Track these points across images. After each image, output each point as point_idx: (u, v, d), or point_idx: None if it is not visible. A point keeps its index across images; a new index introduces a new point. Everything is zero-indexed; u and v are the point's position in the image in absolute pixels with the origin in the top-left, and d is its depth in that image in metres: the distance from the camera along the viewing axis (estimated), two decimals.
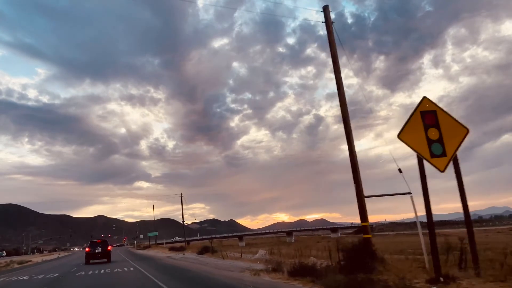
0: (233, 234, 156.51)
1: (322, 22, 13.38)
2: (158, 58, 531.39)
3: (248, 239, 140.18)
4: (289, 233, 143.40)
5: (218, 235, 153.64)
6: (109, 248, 28.66)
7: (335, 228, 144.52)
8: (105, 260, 27.54)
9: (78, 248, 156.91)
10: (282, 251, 21.85)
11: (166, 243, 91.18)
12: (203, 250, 29.17)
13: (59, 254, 70.40)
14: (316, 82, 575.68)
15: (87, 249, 28.27)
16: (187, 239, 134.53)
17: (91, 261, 27.18)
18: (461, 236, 8.50)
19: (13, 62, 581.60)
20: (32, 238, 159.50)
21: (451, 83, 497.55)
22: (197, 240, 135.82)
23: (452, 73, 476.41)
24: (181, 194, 45.18)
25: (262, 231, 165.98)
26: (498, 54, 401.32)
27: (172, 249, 40.61)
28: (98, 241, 29.01)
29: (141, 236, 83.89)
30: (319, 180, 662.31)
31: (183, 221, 43.93)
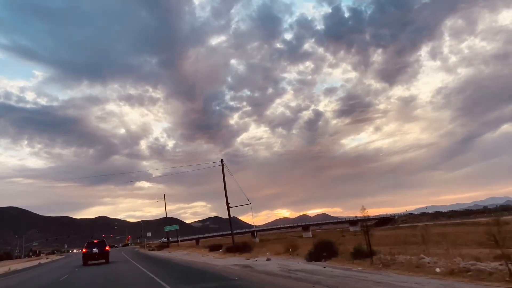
0: (245, 230, 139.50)
1: None
2: (156, 57, 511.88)
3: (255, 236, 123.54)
4: (306, 228, 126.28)
5: (223, 232, 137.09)
6: (107, 248, 26.51)
7: (355, 220, 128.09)
8: (103, 261, 25.52)
9: (76, 250, 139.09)
10: None
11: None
12: (319, 251, 12.74)
13: (47, 258, 52.57)
14: (314, 77, 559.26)
15: (84, 250, 25.83)
16: (193, 237, 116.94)
17: (89, 262, 25.09)
18: None
19: (10, 65, 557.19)
20: (30, 241, 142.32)
21: (449, 74, 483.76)
22: (205, 237, 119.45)
23: (450, 64, 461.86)
24: (222, 161, 28.64)
25: (266, 227, 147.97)
26: (496, 44, 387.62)
27: (214, 249, 24.11)
28: (96, 241, 26.61)
29: (149, 234, 67.55)
30: (319, 175, 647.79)
31: (228, 204, 27.03)
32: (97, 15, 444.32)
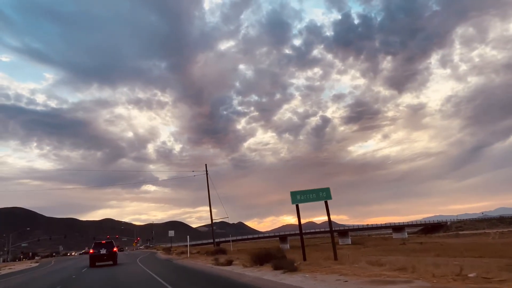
0: (274, 235, 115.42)
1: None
2: (165, 61, 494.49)
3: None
4: (343, 233, 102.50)
5: (232, 237, 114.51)
6: (115, 249, 23.65)
7: (400, 226, 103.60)
8: (110, 262, 23.13)
9: (74, 253, 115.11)
10: None
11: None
12: None
13: (12, 267, 29.73)
14: (322, 83, 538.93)
15: (90, 251, 23.56)
16: (197, 242, 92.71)
17: (97, 264, 22.92)
18: None
19: (21, 67, 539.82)
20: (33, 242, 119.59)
21: (459, 83, 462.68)
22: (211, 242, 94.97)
23: (460, 72, 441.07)
24: None
25: (270, 234, 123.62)
26: (507, 53, 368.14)
27: None
28: (103, 242, 24.41)
29: (171, 233, 45.25)
30: (326, 181, 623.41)
31: None
32: (107, 19, 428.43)
